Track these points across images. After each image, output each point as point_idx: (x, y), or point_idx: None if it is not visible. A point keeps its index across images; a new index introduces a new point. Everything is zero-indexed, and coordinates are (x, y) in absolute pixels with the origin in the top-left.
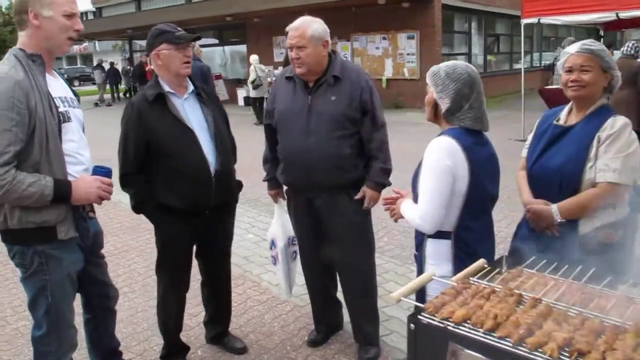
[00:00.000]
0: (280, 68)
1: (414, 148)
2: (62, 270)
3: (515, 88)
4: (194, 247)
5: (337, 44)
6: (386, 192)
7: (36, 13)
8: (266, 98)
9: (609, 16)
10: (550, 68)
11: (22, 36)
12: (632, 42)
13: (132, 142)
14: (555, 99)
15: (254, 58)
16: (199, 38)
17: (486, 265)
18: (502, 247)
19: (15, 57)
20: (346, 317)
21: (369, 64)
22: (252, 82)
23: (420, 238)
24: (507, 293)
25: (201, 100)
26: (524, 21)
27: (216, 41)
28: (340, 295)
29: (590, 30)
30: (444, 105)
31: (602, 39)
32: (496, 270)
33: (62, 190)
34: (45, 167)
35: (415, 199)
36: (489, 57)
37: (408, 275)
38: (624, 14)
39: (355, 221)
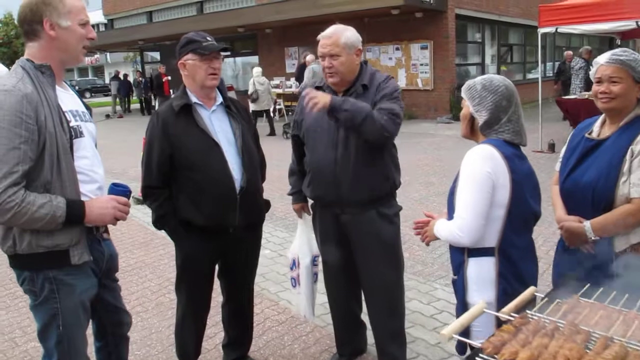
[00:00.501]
0: (292, 79)
1: (429, 159)
2: (75, 298)
3: (529, 98)
4: (216, 267)
5: None
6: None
7: (52, 23)
8: (266, 111)
9: (628, 25)
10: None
11: (32, 47)
12: None
13: (156, 154)
14: (574, 110)
15: (256, 71)
16: (226, 49)
17: (537, 293)
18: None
19: (23, 69)
20: (370, 338)
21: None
22: (250, 95)
23: (460, 259)
24: (573, 330)
25: (229, 112)
26: (541, 30)
27: (227, 52)
28: (364, 316)
29: (603, 39)
30: (481, 118)
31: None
32: (552, 301)
33: (75, 211)
34: (57, 186)
35: (451, 217)
36: (502, 67)
37: (432, 294)
38: None
39: (383, 238)
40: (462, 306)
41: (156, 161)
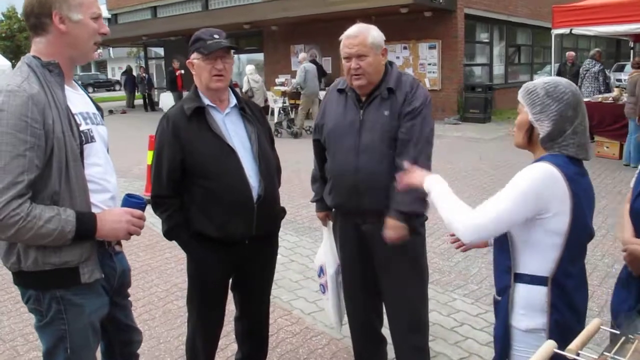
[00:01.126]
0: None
1: (439, 163)
2: (84, 319)
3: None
4: (230, 280)
5: None
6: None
7: (62, 16)
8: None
9: None
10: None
11: (39, 42)
12: None
13: (167, 161)
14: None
15: (249, 68)
16: (232, 48)
17: (602, 327)
18: None
19: (29, 67)
20: (391, 352)
21: None
22: (245, 93)
23: (506, 281)
24: None
25: (244, 115)
26: (555, 31)
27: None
28: (384, 330)
29: (610, 41)
30: (542, 129)
31: (632, 50)
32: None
33: (86, 225)
34: (66, 197)
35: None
36: (510, 68)
37: (451, 305)
38: None
39: (407, 250)
40: (504, 329)
41: (167, 168)
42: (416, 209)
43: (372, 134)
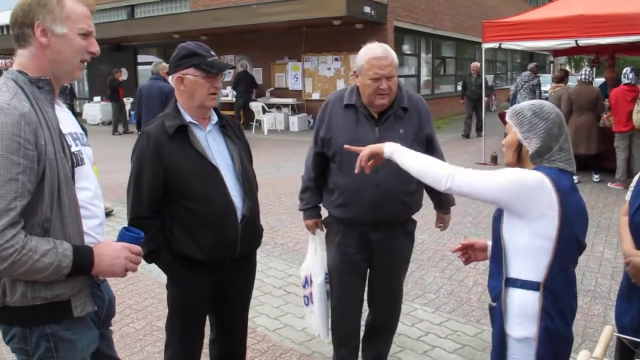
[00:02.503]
0: (229, 88)
1: None
2: (77, 355)
3: (461, 110)
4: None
5: (287, 64)
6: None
7: (45, 28)
8: None
9: (568, 43)
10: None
11: (22, 55)
12: (587, 68)
13: (147, 181)
14: None
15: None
16: (233, 67)
17: (615, 333)
18: None
19: (15, 83)
20: None
21: (320, 84)
22: None
23: (499, 286)
24: None
25: (225, 133)
26: (485, 45)
27: (160, 59)
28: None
29: (524, 55)
30: (532, 146)
31: (552, 64)
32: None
33: (83, 260)
34: (57, 225)
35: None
36: (436, 79)
37: (413, 315)
38: (582, 42)
39: (403, 254)
40: (500, 337)
41: (148, 188)
42: (454, 203)
43: None
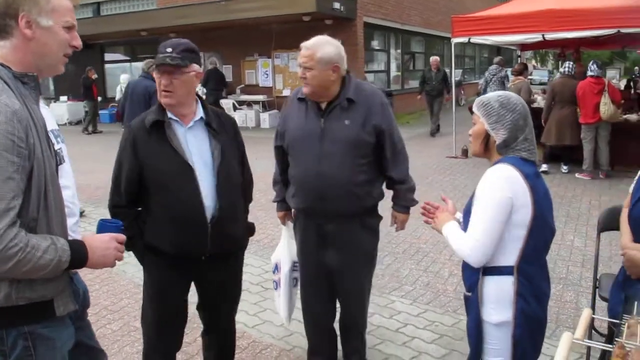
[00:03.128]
0: (199, 85)
1: None
2: (56, 354)
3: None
4: (192, 298)
5: (257, 60)
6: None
7: (30, 20)
8: None
9: (535, 37)
10: (460, 85)
11: (3, 47)
12: (570, 62)
13: (125, 172)
14: None
15: (124, 78)
16: (169, 65)
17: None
18: None
19: (0, 79)
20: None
21: (290, 81)
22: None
23: (474, 277)
24: None
25: (209, 129)
26: (455, 40)
27: (127, 57)
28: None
29: (492, 49)
30: (498, 136)
31: (519, 58)
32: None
33: (79, 255)
34: (43, 224)
35: (465, 229)
36: (405, 74)
37: (391, 307)
38: (549, 36)
39: (365, 248)
40: (476, 324)
41: (125, 180)
42: (413, 203)
43: (334, 142)
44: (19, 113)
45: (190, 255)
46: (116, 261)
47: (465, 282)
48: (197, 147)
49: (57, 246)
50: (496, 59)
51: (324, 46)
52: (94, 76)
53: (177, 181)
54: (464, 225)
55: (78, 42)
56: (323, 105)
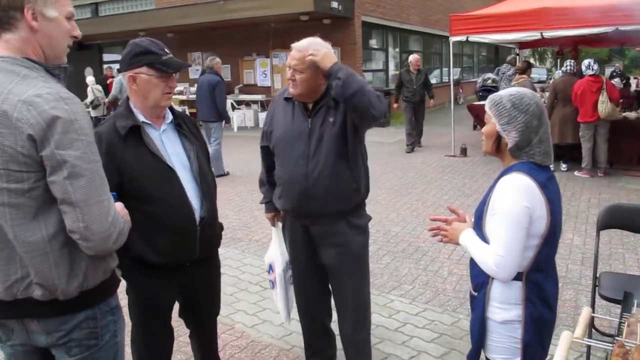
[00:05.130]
0: (196, 85)
1: None
2: (124, 322)
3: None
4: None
5: (255, 60)
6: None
7: (35, 12)
8: (104, 117)
9: (534, 35)
10: (458, 83)
11: (12, 40)
12: (571, 60)
13: None
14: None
15: (90, 79)
16: (189, 66)
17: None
18: None
19: (35, 71)
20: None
21: None
22: (92, 103)
23: (483, 279)
24: None
25: (180, 132)
26: (453, 39)
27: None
28: (334, 326)
29: (490, 47)
30: (510, 139)
31: (517, 57)
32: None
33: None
34: None
35: (482, 237)
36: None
37: (390, 306)
38: (547, 34)
39: (353, 249)
40: (480, 322)
41: None
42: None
43: (320, 141)
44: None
45: (179, 261)
46: None
47: (472, 280)
48: (173, 150)
49: (120, 215)
50: (508, 58)
51: (311, 48)
52: (110, 77)
53: (162, 187)
54: (477, 230)
55: (78, 32)
56: (310, 105)
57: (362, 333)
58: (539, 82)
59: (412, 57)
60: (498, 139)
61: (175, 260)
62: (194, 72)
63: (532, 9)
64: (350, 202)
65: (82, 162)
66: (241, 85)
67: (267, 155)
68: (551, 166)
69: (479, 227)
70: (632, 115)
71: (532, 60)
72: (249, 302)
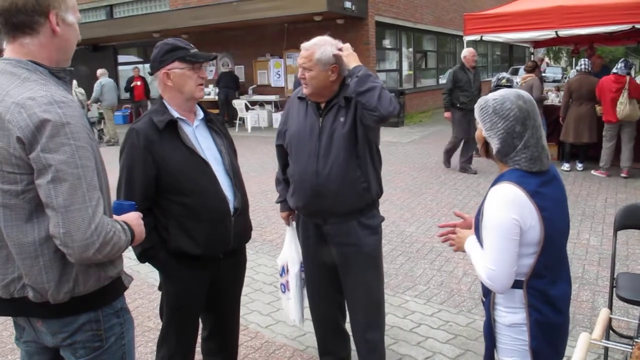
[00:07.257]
0: (211, 86)
1: None
2: (132, 324)
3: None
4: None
5: (269, 60)
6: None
7: (58, 17)
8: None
9: (548, 34)
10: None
11: (30, 44)
12: (586, 59)
13: (140, 178)
14: None
15: (74, 83)
16: (215, 57)
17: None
18: None
19: (39, 74)
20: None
21: None
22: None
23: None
24: None
25: (211, 128)
26: (467, 38)
27: (140, 59)
28: (347, 326)
29: (504, 47)
30: (494, 145)
31: (532, 55)
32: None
33: (132, 233)
34: (106, 209)
35: (482, 244)
36: (418, 73)
37: (405, 307)
38: (562, 32)
39: (365, 249)
40: (490, 325)
41: (140, 185)
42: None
43: (331, 140)
44: (78, 107)
45: (215, 252)
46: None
47: (481, 285)
48: (206, 145)
49: (122, 227)
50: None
51: (322, 47)
52: (138, 78)
53: (197, 179)
54: (476, 232)
55: (79, 36)
56: (322, 105)
57: (374, 333)
58: (554, 81)
59: (467, 51)
60: (487, 144)
61: (212, 251)
62: (208, 73)
63: (547, 7)
64: (361, 201)
65: (67, 166)
66: (255, 85)
67: (282, 153)
68: (567, 165)
69: (478, 235)
70: None
71: (546, 59)
72: (263, 303)
